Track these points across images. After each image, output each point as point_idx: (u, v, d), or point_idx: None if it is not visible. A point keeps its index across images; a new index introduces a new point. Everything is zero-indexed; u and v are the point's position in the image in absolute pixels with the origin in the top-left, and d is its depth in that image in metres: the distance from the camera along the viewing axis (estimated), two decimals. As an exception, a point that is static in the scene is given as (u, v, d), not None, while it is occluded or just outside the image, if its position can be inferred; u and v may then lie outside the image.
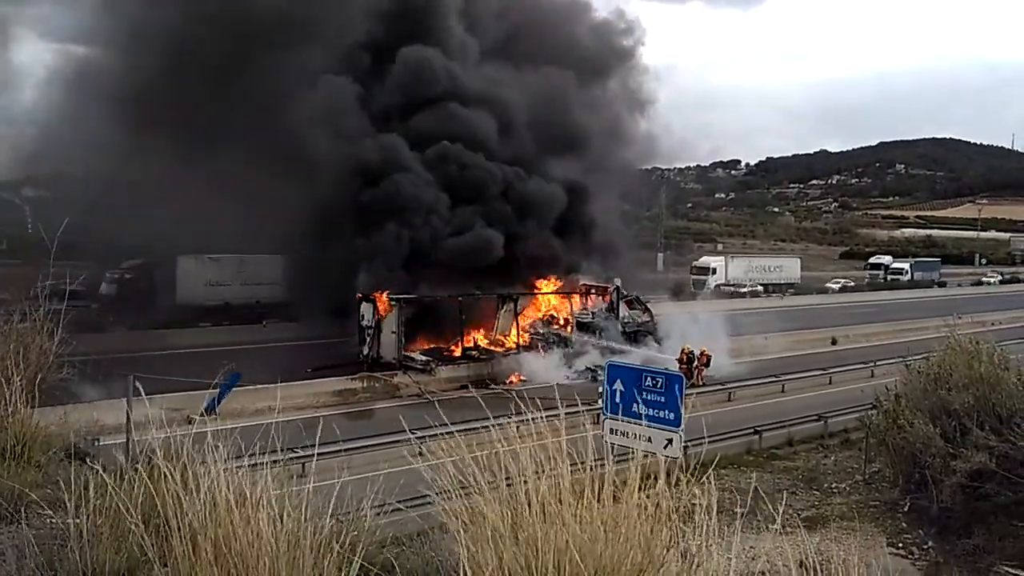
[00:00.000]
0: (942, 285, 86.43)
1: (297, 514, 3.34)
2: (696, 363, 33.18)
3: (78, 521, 3.44)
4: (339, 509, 3.73)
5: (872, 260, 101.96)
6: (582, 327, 37.08)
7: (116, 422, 15.96)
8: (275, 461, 3.83)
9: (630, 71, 47.21)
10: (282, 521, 3.22)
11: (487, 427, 4.29)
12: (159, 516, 3.39)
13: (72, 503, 3.49)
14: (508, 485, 3.56)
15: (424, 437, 4.88)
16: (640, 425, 17.10)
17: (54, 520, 3.85)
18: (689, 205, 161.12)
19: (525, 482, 3.48)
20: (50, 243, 7.70)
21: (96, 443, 15.66)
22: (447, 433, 3.86)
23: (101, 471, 3.60)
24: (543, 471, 3.53)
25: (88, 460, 5.84)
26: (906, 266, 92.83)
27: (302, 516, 3.34)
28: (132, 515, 3.32)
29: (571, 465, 3.85)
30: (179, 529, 3.23)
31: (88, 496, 3.54)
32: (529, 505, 3.36)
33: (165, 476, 3.41)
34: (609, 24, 47.81)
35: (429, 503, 3.90)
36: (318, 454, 5.50)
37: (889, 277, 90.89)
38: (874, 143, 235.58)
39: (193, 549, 3.17)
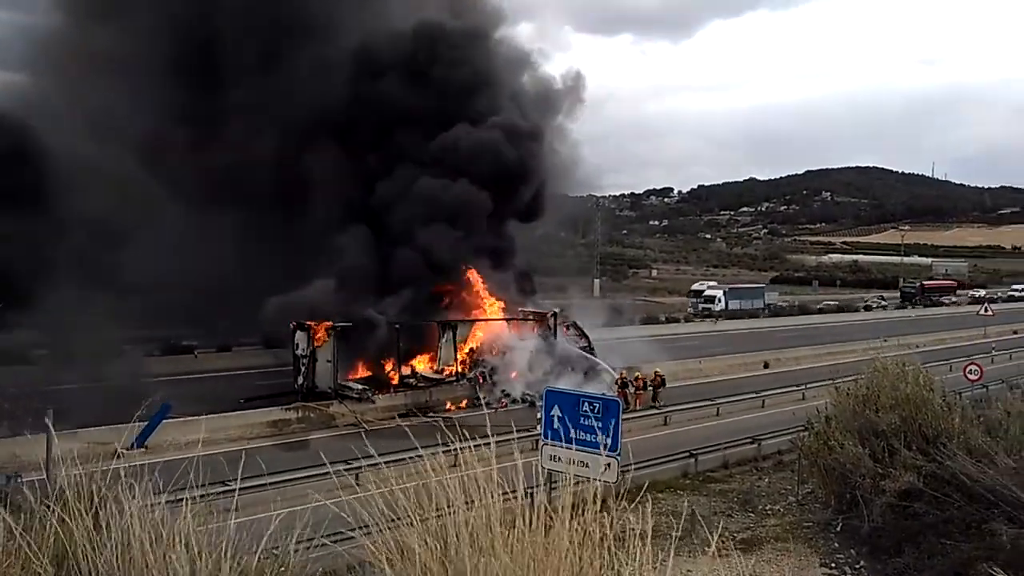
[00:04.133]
0: (754, 316, 77.13)
1: (218, 553, 3.18)
2: (635, 388, 33.51)
3: (-16, 566, 3.20)
4: (264, 544, 3.58)
5: (695, 287, 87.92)
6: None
7: (38, 459, 15.33)
8: (196, 497, 3.66)
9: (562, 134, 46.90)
10: (201, 560, 3.06)
11: (419, 457, 4.20)
12: (71, 558, 3.18)
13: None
14: (438, 517, 3.46)
15: (351, 468, 4.74)
16: (578, 451, 17.10)
17: (-39, 564, 3.57)
18: (624, 232, 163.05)
19: (454, 513, 3.38)
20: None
21: (17, 480, 15.03)
22: (372, 466, 3.74)
23: (5, 513, 3.37)
24: (472, 501, 3.43)
25: (2, 499, 5.56)
26: (719, 294, 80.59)
27: (223, 554, 3.18)
28: (39, 558, 3.11)
29: (504, 494, 3.77)
30: (90, 573, 3.05)
31: (-1, 538, 3.29)
32: (458, 537, 3.26)
33: (74, 516, 3.20)
34: (550, 88, 47.29)
35: (359, 536, 3.77)
36: (241, 488, 5.32)
37: (701, 307, 78.63)
38: (801, 171, 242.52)
39: (104, 594, 2.99)
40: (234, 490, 4.45)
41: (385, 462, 4.00)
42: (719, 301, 78.80)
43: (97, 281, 33.92)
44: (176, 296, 36.36)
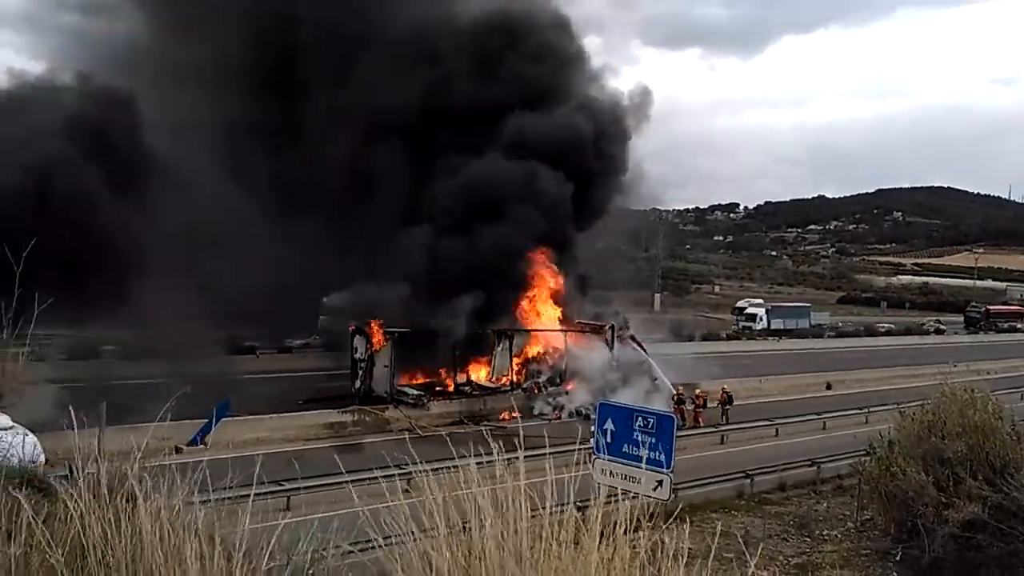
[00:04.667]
0: (818, 335, 74.18)
1: (233, 555, 3.13)
2: (695, 404, 33.07)
3: (9, 552, 3.21)
4: (284, 547, 3.54)
5: (739, 304, 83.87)
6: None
7: (96, 452, 15.65)
8: (226, 498, 3.63)
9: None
10: (213, 560, 3.01)
11: (463, 466, 4.13)
12: (84, 551, 3.18)
13: (3, 532, 3.24)
14: (465, 528, 3.37)
15: (389, 476, 4.69)
16: (630, 466, 16.95)
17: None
18: (687, 247, 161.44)
19: (482, 525, 3.29)
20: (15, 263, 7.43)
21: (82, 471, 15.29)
22: (403, 475, 3.66)
23: (27, 503, 3.39)
24: (502, 515, 3.34)
25: (49, 490, 5.63)
26: (761, 312, 77.23)
27: (235, 556, 3.14)
28: (53, 549, 3.11)
29: (544, 508, 3.68)
30: (98, 565, 3.03)
31: (23, 527, 3.29)
32: (484, 549, 3.17)
33: (93, 509, 3.18)
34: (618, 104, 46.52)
35: (382, 545, 3.71)
36: (287, 490, 5.28)
37: (741, 325, 75.44)
38: (872, 190, 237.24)
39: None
40: (279, 491, 4.41)
41: (422, 470, 3.92)
42: (760, 320, 75.73)
43: (176, 279, 34.90)
44: (244, 297, 37.16)
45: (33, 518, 3.20)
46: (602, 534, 3.37)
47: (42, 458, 15.78)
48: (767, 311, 77.73)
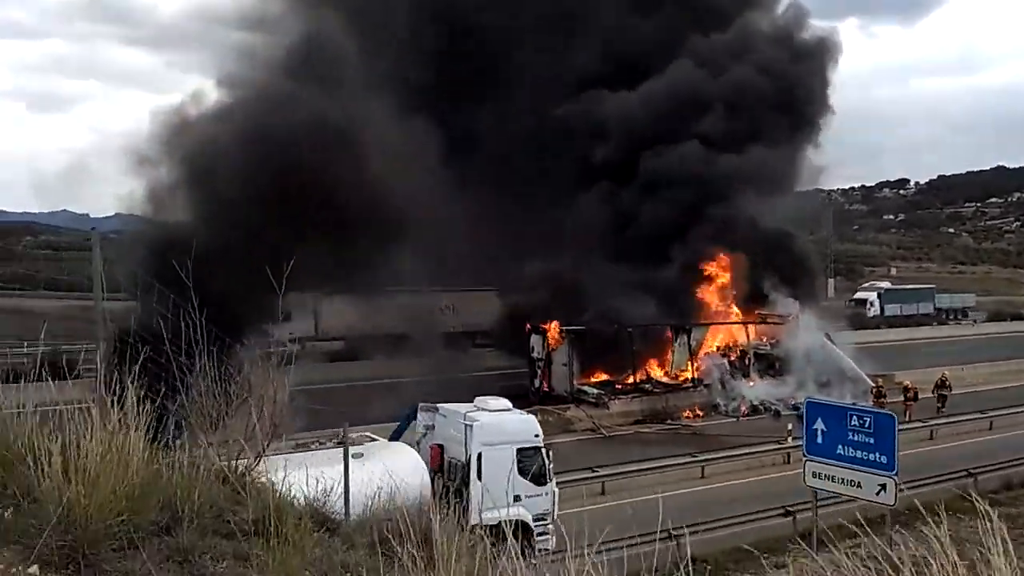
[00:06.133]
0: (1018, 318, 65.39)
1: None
2: (905, 397, 31.19)
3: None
4: None
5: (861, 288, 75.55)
6: (760, 359, 35.51)
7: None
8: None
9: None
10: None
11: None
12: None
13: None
14: None
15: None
16: (848, 469, 16.01)
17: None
18: (855, 227, 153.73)
19: None
20: (277, 284, 7.30)
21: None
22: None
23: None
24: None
25: (334, 530, 5.42)
26: (872, 296, 69.64)
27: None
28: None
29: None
30: None
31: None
32: None
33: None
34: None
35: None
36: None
37: (851, 312, 64.88)
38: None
39: None
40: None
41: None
42: (872, 305, 68.11)
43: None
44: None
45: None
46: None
47: (540, 434, 16.84)
48: (879, 295, 70.09)
